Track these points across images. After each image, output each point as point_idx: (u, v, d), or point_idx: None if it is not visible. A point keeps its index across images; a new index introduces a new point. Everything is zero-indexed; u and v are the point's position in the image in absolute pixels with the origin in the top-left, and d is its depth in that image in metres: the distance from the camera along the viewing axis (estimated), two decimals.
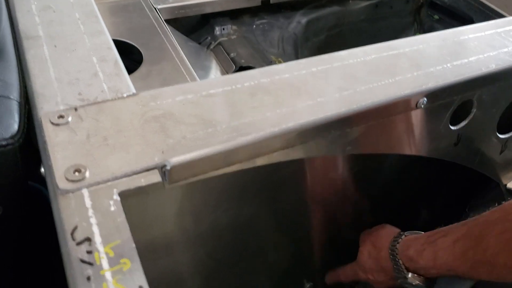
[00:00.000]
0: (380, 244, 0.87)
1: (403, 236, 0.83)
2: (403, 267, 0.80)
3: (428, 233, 0.79)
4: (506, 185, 0.92)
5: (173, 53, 1.07)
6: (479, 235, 0.67)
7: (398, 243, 0.82)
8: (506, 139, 0.89)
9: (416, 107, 0.73)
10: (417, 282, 0.80)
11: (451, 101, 0.77)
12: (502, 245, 0.63)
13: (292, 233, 0.96)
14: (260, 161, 0.66)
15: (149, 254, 0.78)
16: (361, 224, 1.02)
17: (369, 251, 0.89)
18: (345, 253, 1.00)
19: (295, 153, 0.69)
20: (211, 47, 1.40)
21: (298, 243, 0.99)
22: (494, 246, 0.64)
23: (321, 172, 0.86)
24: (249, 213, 0.85)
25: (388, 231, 0.89)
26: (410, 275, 0.80)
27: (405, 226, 1.12)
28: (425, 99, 0.72)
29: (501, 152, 0.90)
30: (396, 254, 0.81)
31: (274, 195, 0.85)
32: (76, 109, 0.64)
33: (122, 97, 0.66)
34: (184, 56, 1.06)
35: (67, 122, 0.62)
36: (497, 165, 0.90)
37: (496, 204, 0.70)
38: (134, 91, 0.68)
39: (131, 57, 1.10)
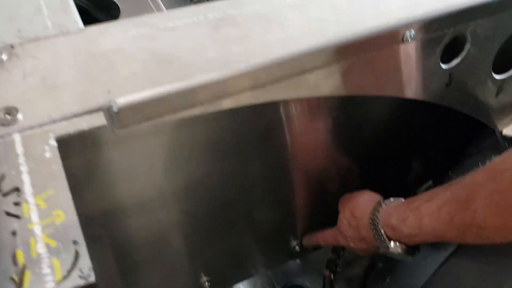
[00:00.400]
0: (359, 213, 0.82)
1: (383, 205, 0.78)
2: (385, 236, 0.75)
3: (409, 199, 0.74)
4: (501, 131, 0.85)
5: (152, 6, 1.00)
6: (467, 199, 0.62)
7: (378, 212, 0.77)
8: (502, 80, 0.82)
9: (403, 40, 0.65)
10: (400, 251, 0.76)
11: (442, 35, 0.69)
12: (492, 208, 0.59)
13: (273, 189, 0.90)
14: (226, 103, 0.59)
15: (116, 212, 0.72)
16: (347, 179, 0.96)
17: (348, 220, 0.85)
18: (332, 210, 0.94)
19: (266, 95, 0.61)
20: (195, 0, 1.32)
21: (281, 200, 0.93)
22: (484, 209, 0.59)
23: (298, 119, 0.79)
24: (223, 169, 0.79)
25: (368, 199, 0.84)
26: (392, 244, 0.75)
27: (396, 181, 1.06)
28: (413, 31, 0.65)
29: (497, 94, 0.83)
30: (378, 224, 0.76)
31: (249, 148, 0.78)
32: (12, 47, 0.56)
33: (67, 33, 0.58)
34: (164, 9, 0.98)
35: (1, 61, 0.54)
36: (492, 110, 0.83)
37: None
38: (82, 26, 0.60)
39: (108, 12, 1.03)
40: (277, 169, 0.86)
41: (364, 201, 0.84)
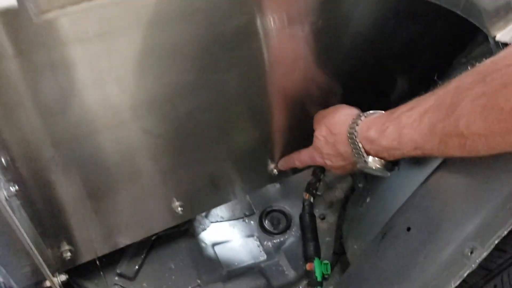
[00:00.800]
0: (337, 129, 0.78)
1: (362, 117, 0.74)
2: (362, 150, 0.72)
3: (391, 110, 0.69)
4: (495, 36, 0.78)
5: None
6: (451, 104, 0.56)
7: (357, 125, 0.72)
8: None
9: None
10: (378, 166, 0.72)
11: None
12: (478, 112, 0.53)
13: (248, 106, 0.83)
14: None
15: (69, 130, 0.66)
16: (327, 96, 0.90)
17: (325, 137, 0.80)
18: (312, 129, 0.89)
19: None
20: None
21: (256, 119, 0.87)
22: (469, 114, 0.54)
23: (274, 25, 0.72)
24: (190, 81, 0.72)
25: (345, 113, 0.79)
26: (370, 158, 0.72)
27: (379, 99, 1.00)
28: None
29: None
30: (355, 137, 0.72)
31: (219, 57, 0.71)
32: None
33: None
34: None
35: None
36: (486, 11, 0.75)
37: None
38: None
39: None
40: (250, 83, 0.80)
41: (341, 116, 0.79)
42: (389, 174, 0.74)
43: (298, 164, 0.93)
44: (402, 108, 0.66)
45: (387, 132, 0.67)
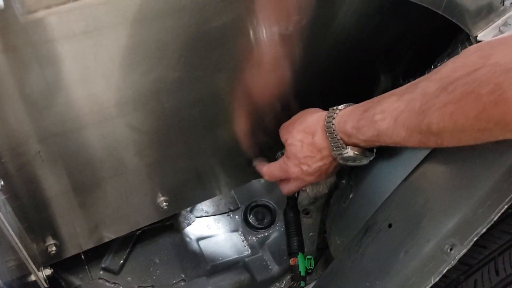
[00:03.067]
0: (312, 127, 0.79)
1: (337, 111, 0.76)
2: (341, 142, 0.74)
3: (363, 106, 0.72)
4: (476, 36, 0.79)
5: None
6: (420, 111, 0.60)
7: (334, 118, 0.75)
8: None
9: None
10: (357, 153, 0.75)
11: None
12: (446, 120, 0.56)
13: (231, 104, 0.84)
14: None
15: (55, 125, 0.66)
16: (309, 95, 0.90)
17: (301, 140, 0.81)
18: None
19: None
20: None
21: (240, 116, 0.87)
22: (438, 122, 0.57)
23: (260, 21, 0.72)
24: (174, 78, 0.72)
25: (315, 112, 0.82)
26: (349, 148, 0.75)
27: (361, 97, 1.01)
28: None
29: None
30: (334, 130, 0.74)
31: (199, 56, 0.71)
32: None
33: None
34: None
35: None
36: (467, 11, 0.76)
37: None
38: None
39: None
40: (235, 81, 0.80)
41: (313, 116, 0.81)
42: (366, 161, 0.77)
43: (266, 178, 0.93)
44: (374, 106, 0.68)
45: (363, 130, 0.70)
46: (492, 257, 0.75)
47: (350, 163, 0.77)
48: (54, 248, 0.82)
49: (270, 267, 1.12)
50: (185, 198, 0.96)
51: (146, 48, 0.66)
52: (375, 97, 0.71)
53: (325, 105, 0.95)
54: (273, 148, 0.97)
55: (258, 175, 1.00)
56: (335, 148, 0.75)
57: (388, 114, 0.65)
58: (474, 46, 0.59)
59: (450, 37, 0.87)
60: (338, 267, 0.87)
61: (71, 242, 0.85)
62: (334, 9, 0.77)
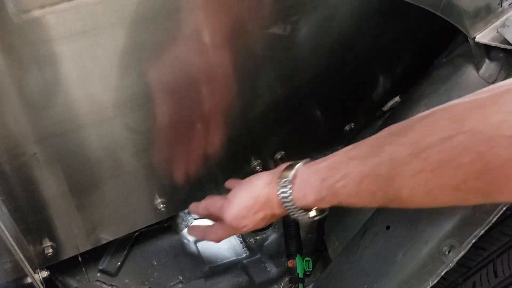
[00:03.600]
0: (269, 209, 0.73)
1: (289, 185, 0.69)
2: (304, 212, 0.69)
3: (319, 171, 0.66)
4: (474, 38, 0.79)
5: None
6: (388, 177, 0.55)
7: (290, 195, 0.69)
8: None
9: None
10: (320, 214, 0.70)
11: None
12: (421, 186, 0.53)
13: (228, 105, 0.83)
14: None
15: (54, 127, 0.65)
16: (309, 95, 0.90)
17: (266, 222, 0.76)
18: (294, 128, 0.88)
19: None
20: None
21: (237, 116, 0.86)
22: (410, 189, 0.53)
23: (259, 22, 0.71)
24: (171, 79, 0.71)
25: (264, 182, 0.74)
26: (311, 213, 0.70)
27: (360, 100, 1.01)
28: None
29: None
30: (292, 205, 0.69)
31: (191, 60, 0.71)
32: None
33: None
34: None
35: None
36: (466, 12, 0.76)
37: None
38: None
39: None
40: (234, 82, 0.80)
41: (261, 187, 0.74)
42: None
43: (192, 210, 0.90)
44: (333, 174, 0.63)
45: (326, 199, 0.65)
46: (491, 259, 0.75)
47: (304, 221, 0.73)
48: (51, 250, 0.82)
49: (268, 269, 1.12)
50: (182, 200, 0.95)
51: (143, 49, 0.65)
52: (330, 158, 0.66)
53: (325, 106, 0.95)
54: (272, 149, 0.97)
55: None
56: (294, 214, 0.71)
57: (350, 180, 0.61)
58: (442, 107, 0.54)
59: (449, 38, 0.87)
60: (336, 269, 0.87)
61: (68, 244, 0.84)
62: (332, 11, 0.77)
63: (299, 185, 0.69)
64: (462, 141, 0.49)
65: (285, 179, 0.70)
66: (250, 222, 0.75)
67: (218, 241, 0.83)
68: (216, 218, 0.82)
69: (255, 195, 0.74)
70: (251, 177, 0.77)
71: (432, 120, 0.54)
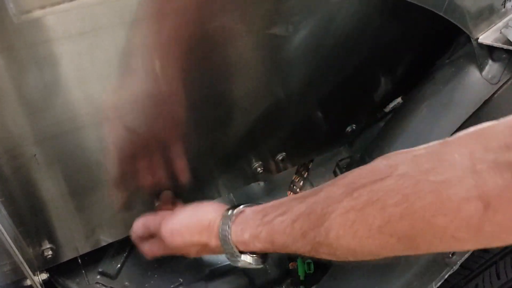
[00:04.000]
0: (205, 236, 0.73)
1: (232, 218, 0.70)
2: (237, 252, 0.70)
3: (264, 209, 0.68)
4: (477, 38, 0.79)
5: None
6: (321, 214, 0.56)
7: (229, 227, 0.70)
8: None
9: None
10: (250, 262, 0.71)
11: None
12: (347, 227, 0.53)
13: (229, 106, 0.83)
14: None
15: (51, 128, 0.65)
16: (312, 96, 0.89)
17: (197, 251, 0.77)
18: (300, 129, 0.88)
19: None
20: None
21: (239, 119, 0.86)
22: (338, 228, 0.54)
23: (259, 22, 0.71)
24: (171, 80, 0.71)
25: (211, 212, 0.75)
26: (243, 257, 0.71)
27: (362, 101, 1.00)
28: None
29: None
30: (230, 240, 0.69)
31: (201, 57, 0.70)
32: None
33: None
34: None
35: None
36: (469, 13, 0.76)
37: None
38: None
39: None
40: (236, 82, 0.79)
41: (206, 213, 0.75)
42: (261, 266, 0.73)
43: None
44: (275, 210, 0.65)
45: (260, 236, 0.65)
46: (493, 261, 0.74)
47: (241, 267, 0.74)
48: (50, 252, 0.81)
49: (269, 271, 1.11)
50: (183, 202, 0.95)
51: (143, 49, 0.65)
52: (279, 200, 0.68)
53: (326, 107, 0.95)
54: (273, 150, 0.96)
55: (257, 178, 0.99)
56: (229, 254, 0.72)
57: (288, 216, 0.62)
58: (384, 155, 0.56)
59: (451, 39, 0.87)
60: (338, 272, 0.86)
61: (67, 246, 0.84)
62: (333, 12, 0.76)
63: (241, 219, 0.70)
64: (392, 183, 0.50)
65: (231, 211, 0.71)
66: (182, 242, 0.75)
67: (150, 256, 0.84)
68: (153, 234, 0.82)
69: (199, 217, 0.75)
70: (203, 202, 0.79)
71: (371, 164, 0.55)
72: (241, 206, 0.73)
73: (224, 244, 0.70)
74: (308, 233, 0.58)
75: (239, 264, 0.71)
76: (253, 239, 0.66)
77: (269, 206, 0.67)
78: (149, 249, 0.83)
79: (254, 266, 0.72)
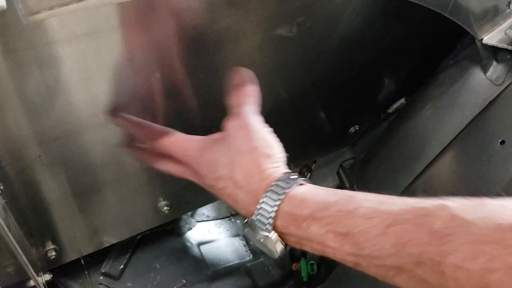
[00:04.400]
0: (251, 174, 0.58)
1: (292, 184, 0.55)
2: (271, 222, 0.55)
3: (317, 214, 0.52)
4: (482, 39, 0.78)
5: None
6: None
7: (281, 201, 0.54)
8: None
9: None
10: (276, 244, 0.56)
11: None
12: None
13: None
14: None
15: (53, 129, 0.65)
16: (316, 95, 0.89)
17: (231, 184, 0.60)
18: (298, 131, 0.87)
19: None
20: None
21: None
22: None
23: (262, 24, 0.71)
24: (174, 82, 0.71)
25: (266, 164, 0.59)
26: (274, 235, 0.55)
27: (366, 101, 1.00)
28: None
29: None
30: (269, 224, 0.55)
31: (203, 58, 0.70)
32: None
33: None
34: None
35: None
36: (473, 14, 0.76)
37: None
38: None
39: None
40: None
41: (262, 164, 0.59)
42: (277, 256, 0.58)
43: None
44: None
45: (311, 244, 0.55)
46: None
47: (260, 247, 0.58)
48: (53, 253, 0.81)
49: (272, 272, 1.11)
50: (186, 202, 0.95)
51: (146, 51, 0.65)
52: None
53: (329, 108, 0.94)
54: None
55: None
56: (256, 221, 0.56)
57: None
58: None
59: (455, 40, 0.87)
60: (342, 273, 0.86)
61: (71, 247, 0.84)
62: (337, 13, 0.76)
63: (292, 210, 0.54)
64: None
65: (296, 176, 0.56)
66: (218, 178, 0.61)
67: (157, 167, 0.69)
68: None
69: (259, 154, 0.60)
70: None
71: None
72: (301, 179, 0.57)
73: (258, 215, 0.55)
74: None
75: (257, 237, 0.56)
76: (300, 244, 0.55)
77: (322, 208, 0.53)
78: (167, 168, 0.69)
79: (270, 253, 0.57)
